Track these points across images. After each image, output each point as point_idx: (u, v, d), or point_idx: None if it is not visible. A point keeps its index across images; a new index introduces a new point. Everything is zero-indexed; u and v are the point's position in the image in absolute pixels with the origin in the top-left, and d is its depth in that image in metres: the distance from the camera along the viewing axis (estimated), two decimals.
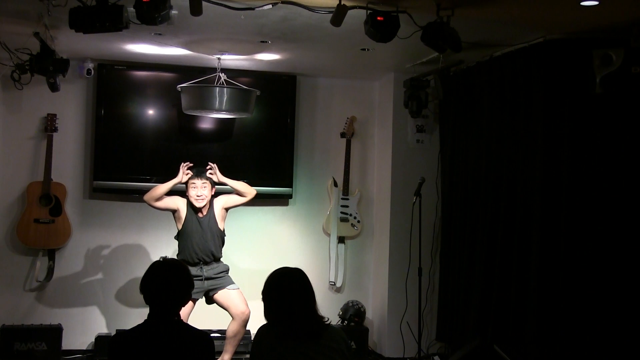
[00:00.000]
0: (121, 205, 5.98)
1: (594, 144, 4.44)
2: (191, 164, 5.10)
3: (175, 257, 5.11)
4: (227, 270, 5.16)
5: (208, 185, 5.04)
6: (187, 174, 5.05)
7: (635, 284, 4.29)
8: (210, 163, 5.16)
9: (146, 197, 5.04)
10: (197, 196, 5.00)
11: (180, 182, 5.05)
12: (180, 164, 5.10)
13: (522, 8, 4.00)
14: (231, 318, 5.07)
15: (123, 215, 5.99)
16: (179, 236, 5.11)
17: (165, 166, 5.87)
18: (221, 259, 5.17)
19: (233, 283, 5.11)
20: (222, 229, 5.14)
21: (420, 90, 5.56)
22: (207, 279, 5.00)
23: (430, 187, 5.86)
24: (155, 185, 5.08)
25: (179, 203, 5.08)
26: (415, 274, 5.36)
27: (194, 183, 5.02)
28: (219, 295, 5.05)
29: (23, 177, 5.75)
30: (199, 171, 5.07)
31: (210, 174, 5.10)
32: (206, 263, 5.04)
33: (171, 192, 5.09)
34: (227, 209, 5.19)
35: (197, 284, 4.87)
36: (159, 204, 5.04)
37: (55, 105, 5.73)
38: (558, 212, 4.51)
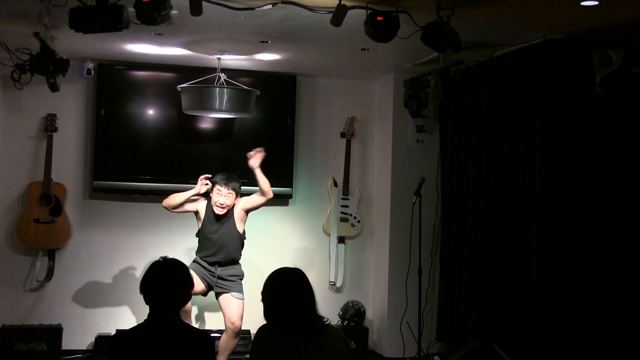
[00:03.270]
0: (121, 205, 5.98)
1: (594, 144, 4.44)
2: (210, 175, 5.05)
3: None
4: (240, 277, 5.12)
5: (232, 195, 4.99)
6: (205, 184, 5.01)
7: (635, 284, 4.29)
8: (259, 149, 5.09)
9: (164, 203, 5.06)
10: (220, 204, 4.96)
11: (198, 194, 5.03)
12: (200, 175, 5.06)
13: (522, 8, 4.00)
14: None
15: (123, 215, 5.99)
16: (198, 234, 5.13)
17: (165, 166, 5.88)
18: (240, 262, 5.14)
19: (240, 292, 5.05)
20: (241, 231, 5.10)
21: (420, 90, 5.56)
22: (219, 278, 5.00)
23: (430, 187, 5.86)
24: (172, 195, 5.07)
25: (198, 205, 5.08)
26: (415, 274, 5.36)
27: (219, 190, 4.97)
28: (222, 298, 5.03)
29: (23, 177, 5.74)
30: (228, 178, 5.01)
31: (257, 151, 5.05)
32: (222, 265, 5.03)
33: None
34: (247, 211, 5.13)
35: (209, 276, 4.96)
36: (177, 210, 5.06)
37: (55, 105, 5.73)
38: (558, 212, 4.51)
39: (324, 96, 6.39)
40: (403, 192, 5.91)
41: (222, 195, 4.98)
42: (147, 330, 2.90)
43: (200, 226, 5.09)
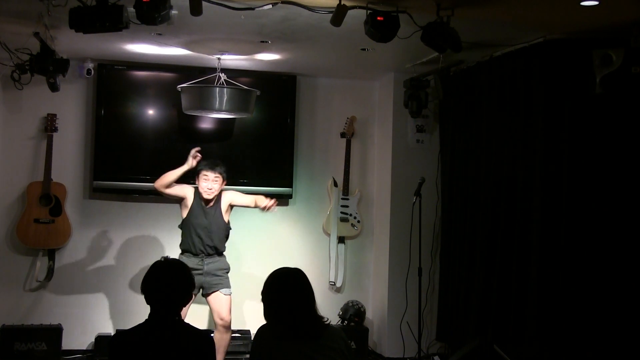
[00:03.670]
0: (121, 205, 5.98)
1: (594, 144, 4.44)
2: (199, 148, 5.06)
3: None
4: (227, 270, 5.13)
5: (220, 179, 5.02)
6: (195, 157, 5.01)
7: (635, 283, 4.29)
8: (268, 205, 5.08)
9: (156, 183, 5.03)
10: (208, 189, 4.98)
11: (190, 168, 5.02)
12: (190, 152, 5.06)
13: (522, 8, 4.00)
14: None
15: (123, 215, 5.99)
16: (182, 225, 5.10)
17: (165, 166, 5.84)
18: (224, 253, 5.15)
19: (228, 287, 5.06)
20: (226, 221, 5.12)
21: (420, 90, 5.56)
22: (207, 274, 4.98)
23: (430, 187, 5.86)
24: (165, 173, 5.05)
25: (187, 191, 5.07)
26: (415, 274, 5.36)
27: (206, 175, 4.99)
28: (211, 297, 5.03)
29: (23, 177, 5.75)
30: (213, 163, 5.03)
31: (273, 207, 5.09)
32: (208, 255, 5.03)
33: (182, 180, 5.09)
34: (232, 206, 5.17)
35: (196, 277, 4.90)
36: (169, 190, 5.02)
37: (55, 105, 5.73)
38: (558, 212, 4.51)
39: (324, 96, 6.39)
40: (403, 192, 5.91)
41: (210, 180, 4.99)
42: (148, 330, 2.90)
43: (185, 215, 5.06)
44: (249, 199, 5.17)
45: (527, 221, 4.72)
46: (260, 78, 6.02)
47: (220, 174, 5.02)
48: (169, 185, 5.00)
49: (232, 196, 5.16)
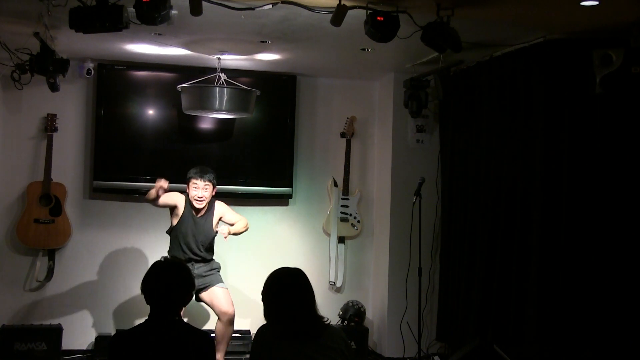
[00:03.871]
0: (121, 205, 5.98)
1: (594, 144, 4.44)
2: (163, 181, 4.89)
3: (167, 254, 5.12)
4: (218, 269, 5.15)
5: (210, 187, 5.01)
6: (159, 188, 4.85)
7: (635, 284, 4.29)
8: (223, 234, 5.05)
9: (145, 199, 5.04)
10: (198, 197, 4.98)
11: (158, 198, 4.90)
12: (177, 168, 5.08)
13: (522, 8, 4.00)
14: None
15: (123, 215, 5.99)
16: (171, 231, 5.11)
17: (165, 166, 5.88)
18: (214, 258, 5.17)
19: (221, 282, 5.08)
20: (215, 231, 5.14)
21: (420, 90, 5.56)
22: (198, 276, 4.97)
23: (430, 187, 5.86)
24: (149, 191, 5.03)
25: (177, 200, 5.06)
26: (415, 274, 5.36)
27: (196, 183, 4.99)
28: (206, 294, 5.03)
29: (23, 177, 5.75)
30: (202, 171, 5.03)
31: (225, 237, 5.06)
32: (197, 262, 5.03)
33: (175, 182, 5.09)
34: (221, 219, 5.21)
35: None
36: (158, 203, 5.00)
37: (55, 105, 5.73)
38: (558, 212, 4.51)
39: (324, 96, 6.39)
40: (403, 192, 5.91)
41: (200, 189, 4.98)
42: (148, 330, 2.90)
43: (175, 222, 5.07)
44: (235, 219, 5.21)
45: (527, 221, 4.72)
46: (260, 78, 6.02)
47: (210, 181, 5.01)
48: (154, 200, 4.93)
49: (225, 212, 5.19)
